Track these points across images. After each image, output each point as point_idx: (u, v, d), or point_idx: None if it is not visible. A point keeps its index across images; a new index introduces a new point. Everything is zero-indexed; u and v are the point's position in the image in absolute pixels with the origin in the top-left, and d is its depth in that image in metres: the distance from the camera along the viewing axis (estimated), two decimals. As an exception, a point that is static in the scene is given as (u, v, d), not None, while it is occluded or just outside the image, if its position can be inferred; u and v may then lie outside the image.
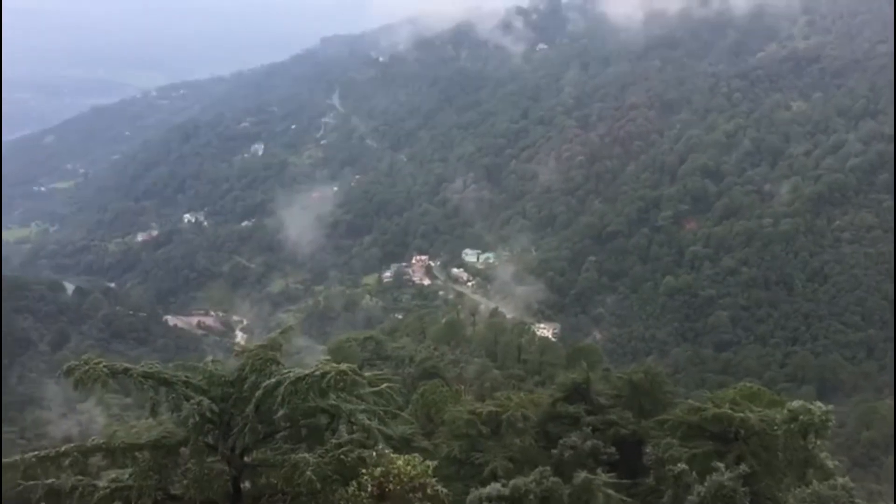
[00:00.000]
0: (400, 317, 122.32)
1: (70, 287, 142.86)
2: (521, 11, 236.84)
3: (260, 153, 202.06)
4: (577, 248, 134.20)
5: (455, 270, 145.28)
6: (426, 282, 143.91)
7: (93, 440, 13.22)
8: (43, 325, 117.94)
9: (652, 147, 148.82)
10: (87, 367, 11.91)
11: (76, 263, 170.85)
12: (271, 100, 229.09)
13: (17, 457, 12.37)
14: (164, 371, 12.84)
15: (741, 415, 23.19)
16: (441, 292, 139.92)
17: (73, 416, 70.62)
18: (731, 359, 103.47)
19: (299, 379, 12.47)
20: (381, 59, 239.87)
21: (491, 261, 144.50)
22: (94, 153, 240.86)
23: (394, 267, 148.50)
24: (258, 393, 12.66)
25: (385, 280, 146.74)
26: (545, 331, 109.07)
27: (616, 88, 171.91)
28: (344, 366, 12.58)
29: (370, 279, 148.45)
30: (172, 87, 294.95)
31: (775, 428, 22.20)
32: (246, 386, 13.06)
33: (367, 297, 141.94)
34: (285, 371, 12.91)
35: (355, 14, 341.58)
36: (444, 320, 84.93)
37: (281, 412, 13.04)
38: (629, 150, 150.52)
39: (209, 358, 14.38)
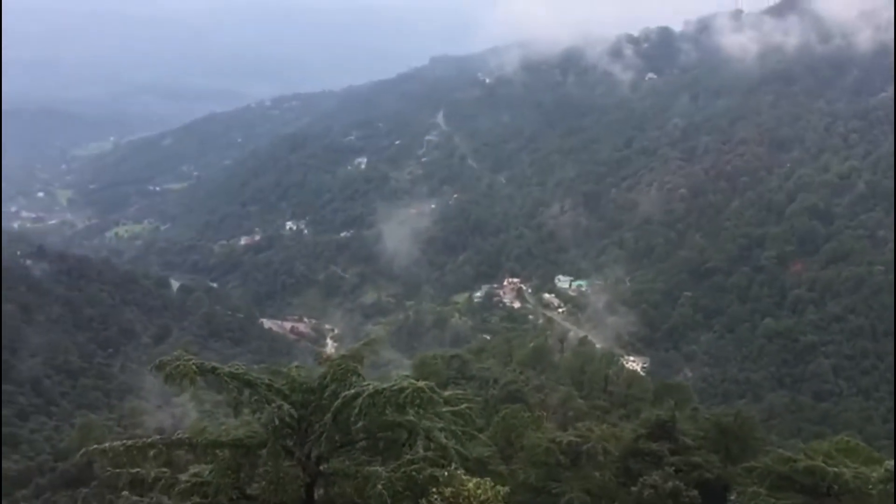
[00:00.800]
0: (488, 337, 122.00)
1: (175, 284, 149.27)
2: (631, 40, 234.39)
3: (363, 167, 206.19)
4: (672, 282, 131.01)
5: (546, 295, 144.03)
6: (516, 305, 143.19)
7: (178, 434, 13.74)
8: (147, 318, 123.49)
9: (759, 184, 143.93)
10: (177, 364, 12.42)
11: (183, 262, 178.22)
12: (378, 115, 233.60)
13: (107, 444, 12.98)
14: (250, 373, 13.23)
15: (835, 469, 22.12)
16: (531, 316, 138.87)
17: (168, 409, 73.52)
18: (830, 410, 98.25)
19: (377, 392, 12.62)
20: (487, 80, 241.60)
21: (583, 288, 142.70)
22: (208, 157, 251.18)
23: (485, 287, 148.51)
24: (337, 402, 12.87)
25: (476, 300, 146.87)
26: (634, 364, 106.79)
27: (725, 122, 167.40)
28: (422, 383, 12.66)
29: (461, 297, 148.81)
30: (285, 99, 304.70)
31: (870, 487, 21.08)
32: (326, 394, 13.31)
33: (457, 315, 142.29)
34: (365, 383, 13.10)
35: (466, 35, 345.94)
36: (531, 345, 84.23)
37: (359, 423, 13.22)
38: (735, 186, 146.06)
39: (294, 363, 14.75)
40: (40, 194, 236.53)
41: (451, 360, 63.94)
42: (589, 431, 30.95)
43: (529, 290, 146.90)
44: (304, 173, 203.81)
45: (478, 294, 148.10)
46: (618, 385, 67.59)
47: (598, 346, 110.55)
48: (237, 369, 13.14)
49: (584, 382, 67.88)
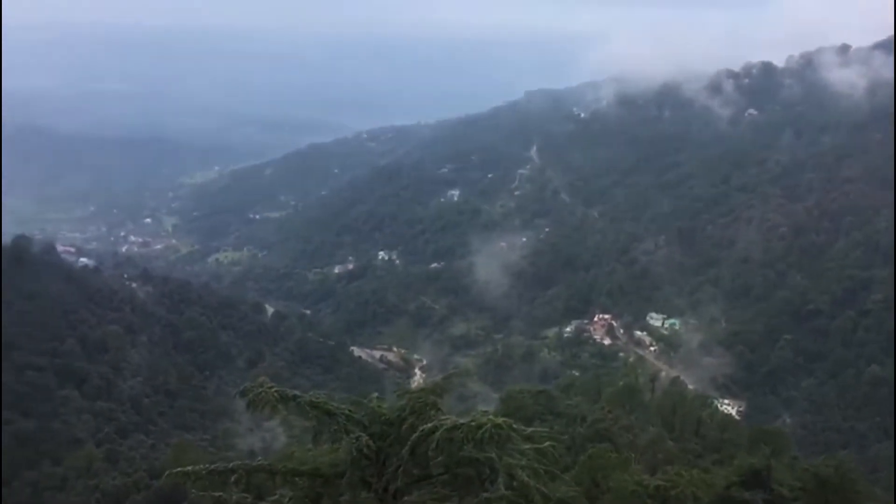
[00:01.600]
0: (577, 374, 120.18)
1: (270, 310, 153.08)
2: (731, 75, 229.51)
3: (455, 199, 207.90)
4: (771, 324, 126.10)
5: (638, 333, 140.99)
6: (606, 341, 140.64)
7: (259, 461, 13.98)
8: (243, 342, 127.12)
9: (866, 224, 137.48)
10: (260, 391, 12.68)
11: (278, 288, 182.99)
12: (471, 148, 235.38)
13: (190, 468, 13.33)
14: (330, 402, 13.36)
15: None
16: (621, 354, 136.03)
17: (259, 432, 75.14)
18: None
19: (455, 427, 12.52)
20: (582, 114, 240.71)
21: (676, 327, 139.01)
22: (306, 187, 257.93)
23: (575, 323, 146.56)
24: (414, 436, 12.83)
25: (565, 335, 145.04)
26: (729, 407, 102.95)
27: (831, 159, 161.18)
28: (500, 420, 12.50)
29: (550, 332, 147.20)
30: (381, 131, 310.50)
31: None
32: (404, 427, 13.29)
33: (546, 350, 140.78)
34: (443, 417, 13.03)
35: (561, 70, 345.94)
36: (621, 383, 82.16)
37: (438, 458, 13.12)
38: (839, 226, 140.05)
39: (374, 395, 14.83)
40: (148, 220, 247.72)
41: (539, 396, 63.10)
42: (678, 476, 29.85)
43: (620, 327, 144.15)
44: (397, 204, 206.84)
45: (567, 329, 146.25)
46: (711, 429, 65.14)
47: (690, 387, 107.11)
48: (318, 398, 13.30)
49: (675, 424, 65.68)
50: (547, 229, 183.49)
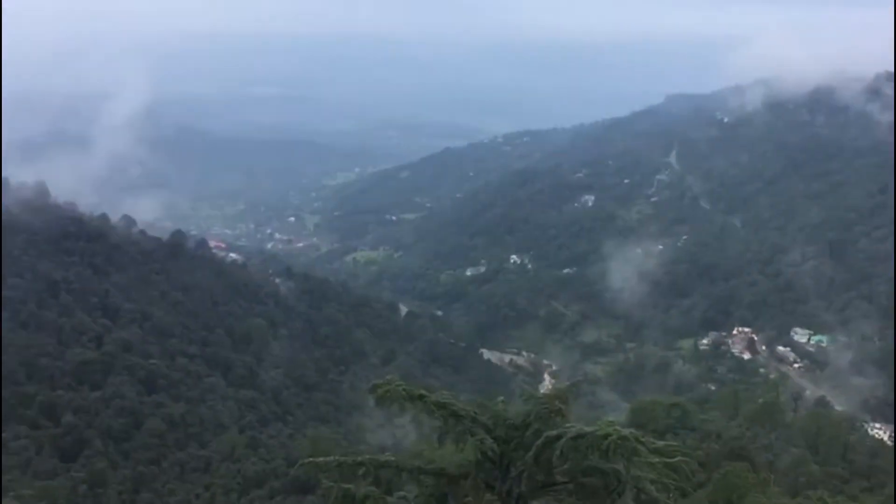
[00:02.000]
0: (713, 388, 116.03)
1: (404, 309, 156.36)
2: (891, 77, 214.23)
3: (590, 204, 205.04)
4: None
5: (781, 349, 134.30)
6: (746, 356, 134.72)
7: (386, 456, 14.36)
8: (377, 340, 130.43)
9: None
10: (388, 388, 13.03)
11: (412, 288, 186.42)
12: (608, 153, 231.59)
13: (321, 459, 13.86)
14: (456, 403, 13.53)
15: None
16: (762, 370, 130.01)
17: (390, 429, 76.82)
18: None
19: (580, 436, 12.38)
20: (726, 119, 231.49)
21: (823, 344, 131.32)
22: (441, 190, 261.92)
23: (712, 335, 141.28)
24: (539, 442, 12.79)
25: (701, 347, 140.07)
26: (881, 432, 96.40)
27: None
28: (626, 431, 12.25)
29: (685, 343, 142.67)
30: (517, 135, 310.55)
31: None
32: (529, 432, 13.28)
33: (680, 361, 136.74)
34: (568, 425, 12.93)
35: (705, 73, 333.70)
36: (761, 400, 78.91)
37: (563, 466, 13.03)
38: None
39: (500, 398, 14.90)
40: (291, 219, 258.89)
41: (672, 409, 61.43)
42: (822, 501, 28.29)
43: (762, 342, 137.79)
44: (531, 208, 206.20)
45: (704, 341, 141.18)
46: (860, 454, 61.46)
47: (837, 408, 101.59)
48: (444, 398, 13.49)
49: (820, 447, 62.31)
50: (685, 237, 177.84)
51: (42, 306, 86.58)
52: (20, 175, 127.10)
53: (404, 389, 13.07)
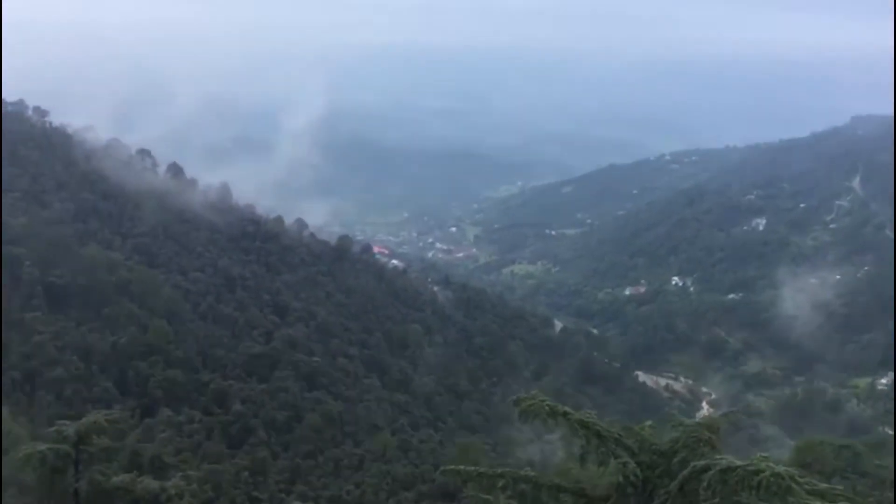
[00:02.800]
0: (890, 432, 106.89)
1: (559, 325, 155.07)
2: None
3: (761, 228, 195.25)
4: None
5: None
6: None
7: (525, 470, 14.35)
8: (530, 353, 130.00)
9: None
10: (532, 402, 13.04)
11: (568, 304, 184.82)
12: (783, 175, 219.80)
13: (462, 467, 14.05)
14: (600, 423, 13.32)
15: None
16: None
17: (539, 444, 76.22)
18: None
19: (730, 469, 11.77)
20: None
21: None
22: (602, 207, 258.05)
23: (892, 374, 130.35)
24: (685, 472, 12.33)
25: (879, 387, 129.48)
26: None
27: None
28: (781, 468, 11.52)
29: (861, 382, 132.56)
30: (685, 153, 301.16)
31: None
32: (675, 460, 12.83)
33: (855, 400, 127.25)
34: (718, 457, 12.39)
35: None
36: (947, 449, 71.83)
37: (709, 499, 12.48)
38: None
39: (647, 422, 14.53)
40: (453, 229, 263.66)
41: (842, 450, 56.86)
42: None
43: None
44: (696, 229, 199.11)
45: (882, 381, 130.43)
46: None
47: None
48: (588, 418, 13.32)
49: None
50: (866, 268, 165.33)
51: (220, 300, 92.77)
52: (208, 177, 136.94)
53: (548, 405, 13.04)
